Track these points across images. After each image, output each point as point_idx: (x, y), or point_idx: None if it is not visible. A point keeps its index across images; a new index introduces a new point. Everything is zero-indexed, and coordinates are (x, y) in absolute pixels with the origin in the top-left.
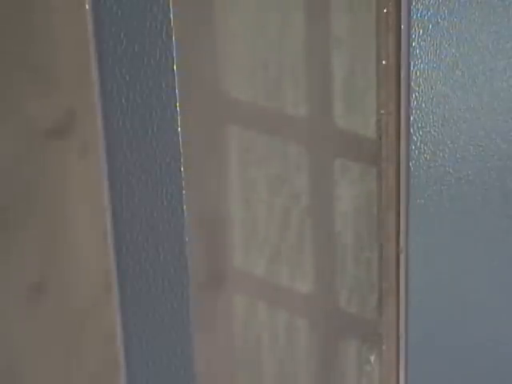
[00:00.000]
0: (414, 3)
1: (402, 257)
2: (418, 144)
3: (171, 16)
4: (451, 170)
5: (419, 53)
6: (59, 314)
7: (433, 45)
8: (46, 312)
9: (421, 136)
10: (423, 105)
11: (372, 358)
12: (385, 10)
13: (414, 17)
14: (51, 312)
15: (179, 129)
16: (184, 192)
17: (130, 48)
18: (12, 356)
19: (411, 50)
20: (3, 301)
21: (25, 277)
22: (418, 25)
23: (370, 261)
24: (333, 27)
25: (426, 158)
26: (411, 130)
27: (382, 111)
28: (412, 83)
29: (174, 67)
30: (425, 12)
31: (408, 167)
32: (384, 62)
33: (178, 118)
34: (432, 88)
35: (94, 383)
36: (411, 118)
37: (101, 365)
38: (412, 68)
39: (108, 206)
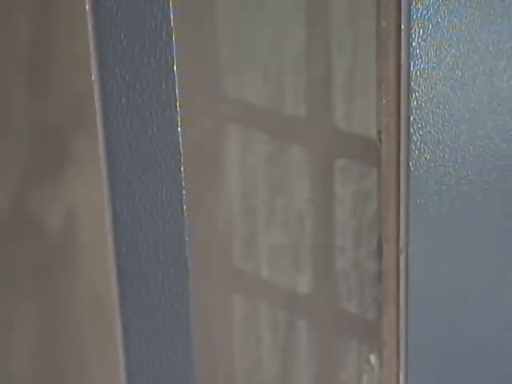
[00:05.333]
0: (413, 3)
1: (402, 257)
2: (418, 144)
3: (171, 16)
4: (451, 170)
5: (419, 53)
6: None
7: (433, 45)
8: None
9: (421, 136)
10: (423, 105)
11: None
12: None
13: (414, 17)
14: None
15: (179, 129)
16: (184, 192)
17: (130, 48)
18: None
19: (411, 49)
20: None
21: None
22: (417, 25)
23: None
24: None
25: (425, 158)
26: (411, 130)
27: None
28: (412, 83)
29: (174, 67)
30: (425, 12)
31: (408, 167)
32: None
33: (178, 117)
34: (432, 88)
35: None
36: (411, 118)
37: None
38: (412, 68)
39: (108, 205)
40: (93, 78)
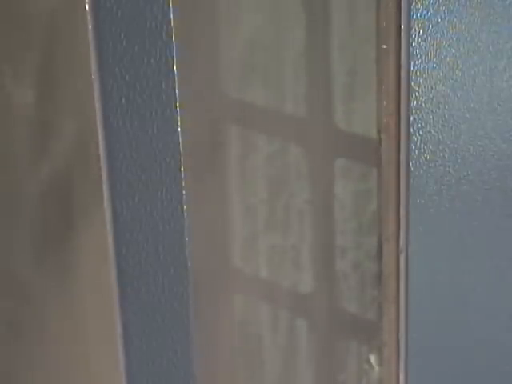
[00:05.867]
0: (413, 3)
1: (402, 257)
2: (418, 144)
3: (171, 16)
4: (451, 170)
5: (419, 53)
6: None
7: (433, 45)
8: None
9: (421, 136)
10: (423, 105)
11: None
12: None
13: (414, 17)
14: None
15: (179, 129)
16: (184, 192)
17: (130, 48)
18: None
19: (411, 49)
20: None
21: None
22: (417, 25)
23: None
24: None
25: (425, 158)
26: (411, 130)
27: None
28: (412, 83)
29: (174, 67)
30: (425, 12)
31: (408, 167)
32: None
33: (178, 117)
34: (432, 88)
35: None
36: (411, 118)
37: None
38: (412, 68)
39: (108, 206)
40: (93, 77)
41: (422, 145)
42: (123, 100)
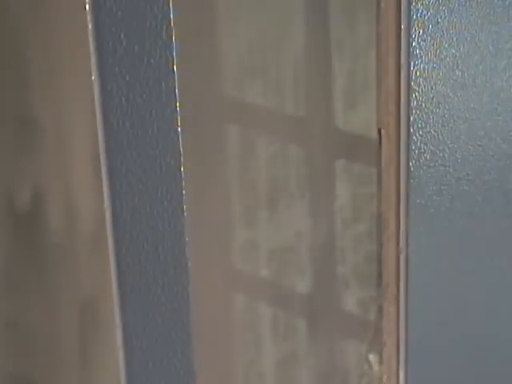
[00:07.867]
0: (413, 3)
1: (402, 257)
2: (418, 144)
3: (171, 16)
4: (451, 170)
5: (419, 53)
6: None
7: (433, 45)
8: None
9: (421, 136)
10: (423, 105)
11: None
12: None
13: (414, 17)
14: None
15: (179, 129)
16: (184, 192)
17: (130, 48)
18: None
19: (411, 49)
20: None
21: None
22: (417, 25)
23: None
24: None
25: (426, 158)
26: (411, 130)
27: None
28: (412, 83)
29: (174, 67)
30: (425, 12)
31: (408, 167)
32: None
33: (178, 117)
34: (432, 88)
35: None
36: (411, 118)
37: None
38: (412, 68)
39: (108, 205)
40: (93, 77)
41: (422, 145)
42: (123, 100)
